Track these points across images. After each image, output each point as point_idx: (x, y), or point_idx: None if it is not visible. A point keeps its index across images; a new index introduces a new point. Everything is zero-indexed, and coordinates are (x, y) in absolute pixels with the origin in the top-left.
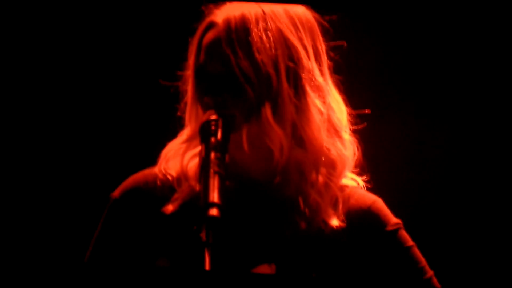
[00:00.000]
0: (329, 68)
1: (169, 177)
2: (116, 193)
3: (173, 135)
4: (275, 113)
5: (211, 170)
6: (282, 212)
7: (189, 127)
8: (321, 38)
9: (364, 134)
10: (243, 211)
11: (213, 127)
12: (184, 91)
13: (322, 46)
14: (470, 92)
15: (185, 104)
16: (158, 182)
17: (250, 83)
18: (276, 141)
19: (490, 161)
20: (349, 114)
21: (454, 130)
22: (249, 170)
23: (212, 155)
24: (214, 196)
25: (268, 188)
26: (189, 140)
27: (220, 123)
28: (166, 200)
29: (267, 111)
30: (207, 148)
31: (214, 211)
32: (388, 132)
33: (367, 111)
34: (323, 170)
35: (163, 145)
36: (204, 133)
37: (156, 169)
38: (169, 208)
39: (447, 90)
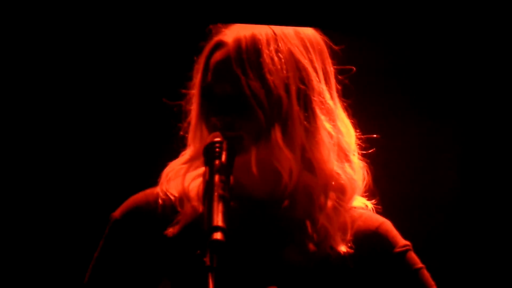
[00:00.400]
0: (337, 92)
1: (171, 197)
2: (117, 213)
3: (175, 154)
4: (285, 135)
5: (215, 193)
6: (289, 235)
7: (192, 147)
8: (330, 61)
9: (374, 157)
10: (249, 233)
11: (217, 149)
12: (188, 111)
13: (331, 69)
14: (485, 115)
15: (189, 123)
16: (160, 202)
17: (260, 105)
18: (285, 164)
19: (505, 184)
20: (358, 138)
21: (467, 151)
22: (256, 192)
23: (216, 178)
24: (218, 220)
25: (275, 210)
26: (191, 160)
27: (224, 145)
28: (168, 220)
29: (277, 133)
30: (211, 170)
31: (218, 235)
32: (398, 155)
33: (376, 135)
34: (332, 194)
35: (164, 165)
36: (208, 155)
37: (157, 189)
38: (171, 230)
39: (461, 111)
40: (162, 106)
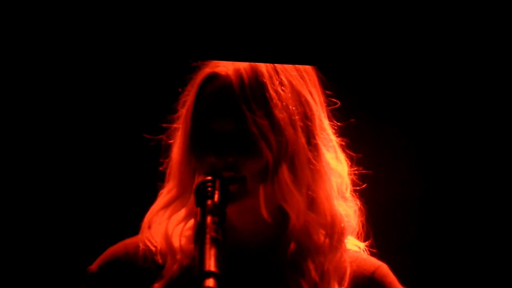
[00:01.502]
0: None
1: (152, 248)
2: (94, 266)
3: (154, 192)
4: (292, 175)
5: (208, 236)
6: (286, 276)
7: (173, 185)
8: (322, 92)
9: (366, 194)
10: (245, 277)
11: (209, 189)
12: (168, 145)
13: (324, 99)
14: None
15: (170, 159)
16: (141, 253)
17: (268, 144)
18: (294, 205)
19: (497, 224)
20: (351, 173)
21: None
22: (254, 236)
23: (209, 219)
24: (211, 264)
25: (275, 254)
26: (173, 200)
27: (217, 184)
28: (150, 273)
29: (285, 173)
30: (203, 211)
31: (210, 282)
32: (390, 192)
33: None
34: (334, 234)
35: (145, 206)
36: (200, 195)
37: (138, 238)
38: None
39: (446, 147)
40: (140, 140)
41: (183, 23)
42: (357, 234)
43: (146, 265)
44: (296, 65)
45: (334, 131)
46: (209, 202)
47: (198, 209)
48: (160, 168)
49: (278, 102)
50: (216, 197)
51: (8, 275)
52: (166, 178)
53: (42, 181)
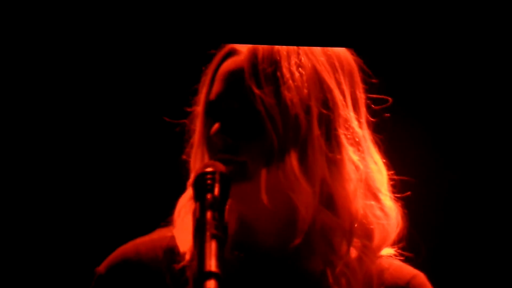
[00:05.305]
0: (368, 123)
1: (177, 247)
2: (102, 267)
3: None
4: (303, 164)
5: (208, 233)
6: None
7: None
8: (361, 86)
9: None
10: (253, 285)
11: (209, 181)
12: (191, 130)
13: (362, 96)
14: None
15: (192, 145)
16: (160, 252)
17: (274, 124)
18: (302, 197)
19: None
20: (391, 179)
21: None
22: (262, 233)
23: (209, 214)
24: (211, 264)
25: (286, 257)
26: None
27: (217, 176)
28: (167, 274)
29: (293, 160)
30: (203, 206)
31: (211, 284)
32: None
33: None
34: (356, 240)
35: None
36: (198, 188)
37: (154, 236)
38: None
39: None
40: (165, 126)
41: (204, 6)
42: (396, 241)
43: (164, 267)
44: (329, 53)
45: (367, 126)
46: (208, 196)
47: (197, 204)
48: (183, 157)
49: (290, 82)
50: (216, 190)
51: (16, 276)
52: (189, 166)
53: (50, 177)
